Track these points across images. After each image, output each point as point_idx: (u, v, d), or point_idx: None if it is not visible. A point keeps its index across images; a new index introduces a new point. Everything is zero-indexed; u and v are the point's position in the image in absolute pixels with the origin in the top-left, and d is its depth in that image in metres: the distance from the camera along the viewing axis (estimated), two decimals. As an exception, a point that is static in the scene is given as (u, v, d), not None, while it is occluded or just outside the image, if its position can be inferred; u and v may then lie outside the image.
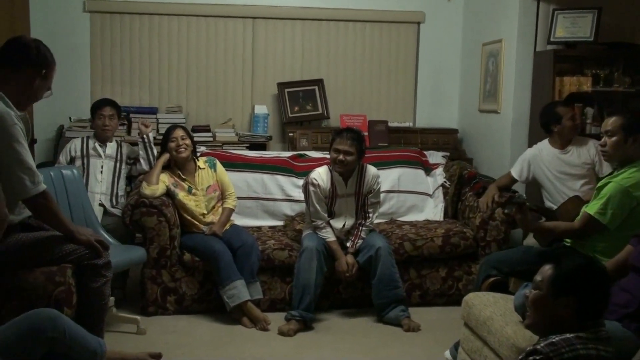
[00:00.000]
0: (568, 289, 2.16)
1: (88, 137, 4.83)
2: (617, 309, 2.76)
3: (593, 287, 2.18)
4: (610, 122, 3.33)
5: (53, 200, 2.94)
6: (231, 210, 4.48)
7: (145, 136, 4.80)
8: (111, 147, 4.81)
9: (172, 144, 4.39)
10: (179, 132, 4.43)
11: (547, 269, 2.24)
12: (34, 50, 2.90)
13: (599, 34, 4.97)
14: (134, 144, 4.98)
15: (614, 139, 3.31)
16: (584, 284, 2.17)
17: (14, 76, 2.86)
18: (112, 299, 3.75)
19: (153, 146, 4.80)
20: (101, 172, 4.70)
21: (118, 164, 4.79)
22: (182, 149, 4.37)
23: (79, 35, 5.85)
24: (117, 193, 4.73)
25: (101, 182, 4.68)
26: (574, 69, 5.14)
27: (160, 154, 4.53)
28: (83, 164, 4.69)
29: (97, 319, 3.06)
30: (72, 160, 4.70)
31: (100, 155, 4.74)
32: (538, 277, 2.26)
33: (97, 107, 4.83)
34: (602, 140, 3.38)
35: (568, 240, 3.50)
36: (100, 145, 4.76)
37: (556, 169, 4.33)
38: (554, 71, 4.96)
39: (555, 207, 4.19)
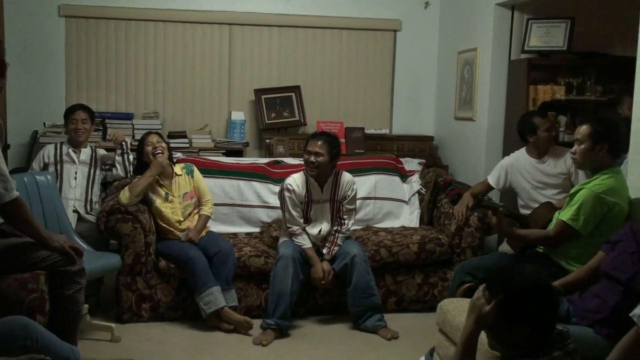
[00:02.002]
0: (520, 319, 2.10)
1: (62, 143, 4.78)
2: (588, 314, 2.81)
3: (544, 312, 2.10)
4: (580, 130, 3.40)
5: (26, 206, 2.91)
6: (207, 217, 4.47)
7: (123, 142, 4.77)
8: (85, 153, 4.76)
9: (149, 148, 4.36)
10: (154, 137, 4.42)
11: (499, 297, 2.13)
12: None
13: (572, 44, 5.06)
14: (110, 149, 4.95)
15: (582, 146, 3.37)
16: (534, 311, 2.09)
17: None
18: (86, 306, 3.72)
19: (130, 152, 4.77)
20: (75, 178, 4.66)
21: (92, 170, 4.75)
22: (159, 151, 4.34)
23: (54, 40, 5.80)
24: (91, 199, 4.69)
25: (75, 188, 4.63)
26: (547, 77, 5.22)
27: (138, 163, 4.48)
28: (57, 169, 4.64)
29: (70, 327, 3.03)
30: (45, 167, 4.65)
31: (74, 161, 4.70)
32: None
33: (70, 111, 4.79)
34: (573, 147, 3.44)
35: (540, 247, 3.54)
36: (74, 151, 4.72)
37: (533, 177, 4.38)
38: (528, 80, 5.03)
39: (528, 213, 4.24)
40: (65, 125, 4.87)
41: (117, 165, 4.74)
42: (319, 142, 4.18)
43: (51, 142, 4.96)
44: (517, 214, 4.17)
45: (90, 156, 4.77)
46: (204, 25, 6.05)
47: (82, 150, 4.76)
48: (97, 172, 4.77)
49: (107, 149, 4.99)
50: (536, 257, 3.51)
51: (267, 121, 6.00)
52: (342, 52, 6.34)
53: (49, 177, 4.22)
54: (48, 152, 4.72)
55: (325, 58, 6.31)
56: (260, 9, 6.09)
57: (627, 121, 3.62)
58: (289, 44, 6.23)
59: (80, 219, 4.57)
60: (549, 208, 3.82)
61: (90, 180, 4.72)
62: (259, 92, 6.04)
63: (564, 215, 3.35)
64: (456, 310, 3.14)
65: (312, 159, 4.18)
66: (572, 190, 3.43)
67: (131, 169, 4.69)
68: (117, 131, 5.12)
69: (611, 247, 2.96)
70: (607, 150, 3.31)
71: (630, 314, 2.33)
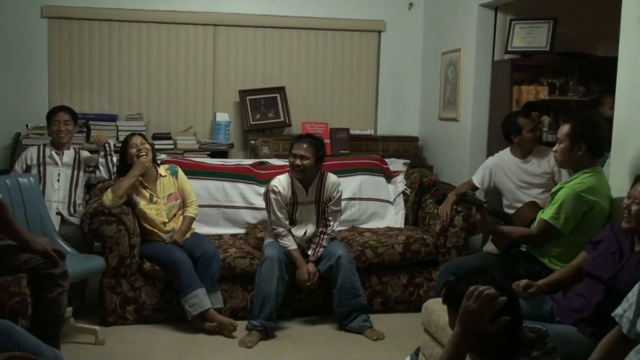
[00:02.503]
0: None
1: (45, 145, 4.75)
2: (572, 313, 2.83)
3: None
4: (562, 129, 3.43)
5: (8, 209, 2.90)
6: (192, 219, 4.45)
7: (106, 144, 4.74)
8: (68, 155, 4.73)
9: (133, 150, 4.33)
10: (137, 139, 4.39)
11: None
12: None
13: (555, 44, 5.10)
14: (93, 151, 4.92)
15: (562, 145, 3.41)
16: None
17: None
18: (69, 309, 3.69)
19: (113, 154, 4.75)
20: (58, 180, 4.63)
21: (76, 172, 4.71)
22: (144, 153, 4.32)
23: (37, 41, 5.76)
24: (74, 201, 4.65)
25: (58, 190, 4.60)
26: (530, 77, 5.26)
27: (121, 165, 4.44)
28: (39, 172, 4.61)
29: (53, 330, 3.02)
30: (28, 169, 4.62)
31: (57, 163, 4.66)
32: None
33: (52, 113, 4.76)
34: (555, 146, 3.47)
35: (524, 246, 3.56)
36: (57, 153, 4.69)
37: (517, 177, 4.40)
38: (512, 80, 5.07)
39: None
40: (47, 127, 4.84)
41: (101, 167, 4.71)
42: (304, 145, 4.18)
43: (34, 144, 4.92)
44: (501, 212, 4.20)
45: (74, 158, 4.74)
46: (188, 26, 6.03)
47: (65, 152, 4.73)
48: (81, 174, 4.74)
49: (91, 151, 4.95)
50: (520, 256, 3.54)
51: (252, 122, 5.99)
52: (326, 53, 6.34)
53: (31, 179, 4.19)
54: (31, 154, 4.68)
55: (310, 59, 6.31)
56: (245, 9, 6.08)
57: (609, 121, 3.65)
58: (274, 44, 6.23)
59: (63, 221, 4.54)
60: (533, 207, 3.84)
61: (74, 182, 4.69)
62: (243, 93, 6.03)
63: (545, 214, 3.37)
64: (441, 310, 3.13)
65: (298, 162, 4.17)
66: (553, 190, 3.46)
67: (115, 171, 4.66)
68: (101, 133, 5.10)
69: (593, 247, 2.99)
70: (586, 150, 3.34)
71: (613, 314, 2.35)
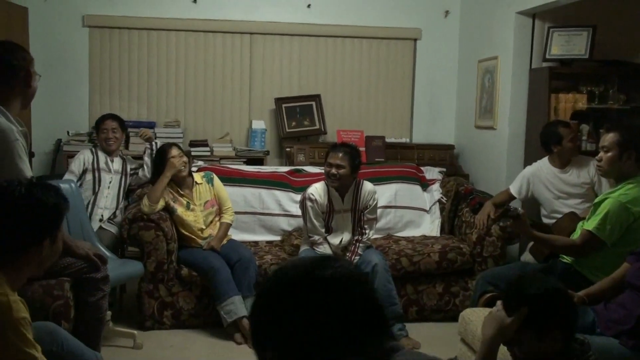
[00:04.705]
0: (551, 325, 2.10)
1: (97, 150, 4.83)
2: (614, 325, 2.78)
3: (570, 312, 2.14)
4: (607, 137, 3.36)
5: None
6: (229, 225, 4.48)
7: (154, 142, 4.82)
8: (117, 162, 4.82)
9: (175, 161, 4.33)
10: (175, 151, 4.39)
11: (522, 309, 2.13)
12: (14, 60, 2.80)
13: (594, 52, 5.03)
14: (136, 157, 5.00)
15: (609, 154, 3.33)
16: (562, 314, 2.11)
17: (10, 90, 2.81)
18: (109, 313, 3.75)
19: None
20: (109, 187, 4.71)
21: (123, 179, 4.80)
22: (182, 167, 4.37)
23: (78, 49, 5.87)
24: (120, 208, 4.71)
25: (107, 197, 4.68)
26: (569, 86, 5.19)
27: (155, 172, 4.43)
28: (94, 177, 4.69)
29: (94, 333, 3.06)
30: (84, 172, 4.69)
31: (110, 170, 4.75)
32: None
33: (101, 120, 4.85)
34: (599, 155, 3.41)
35: (565, 257, 3.51)
36: (111, 160, 4.78)
37: (556, 187, 4.35)
38: (550, 88, 5.01)
39: (552, 223, 4.21)
40: (96, 134, 4.93)
41: (145, 166, 4.77)
42: (340, 154, 4.18)
43: (74, 150, 5.00)
44: (540, 223, 4.15)
45: (122, 165, 4.82)
46: (225, 35, 6.10)
47: (115, 159, 4.82)
48: (128, 180, 4.82)
49: (133, 157, 5.04)
50: (559, 267, 3.49)
51: (287, 130, 6.02)
52: (362, 61, 6.35)
53: (72, 185, 4.28)
54: (86, 158, 4.75)
55: (346, 67, 6.32)
56: (281, 18, 6.12)
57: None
58: (310, 52, 6.26)
59: (99, 227, 4.59)
60: (573, 218, 3.79)
61: (121, 189, 4.77)
62: (279, 100, 6.07)
63: (589, 225, 3.31)
64: (478, 320, 3.12)
65: (334, 171, 4.17)
66: (597, 200, 3.40)
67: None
68: (147, 129, 5.16)
69: (636, 258, 2.93)
70: (635, 158, 3.28)
71: None
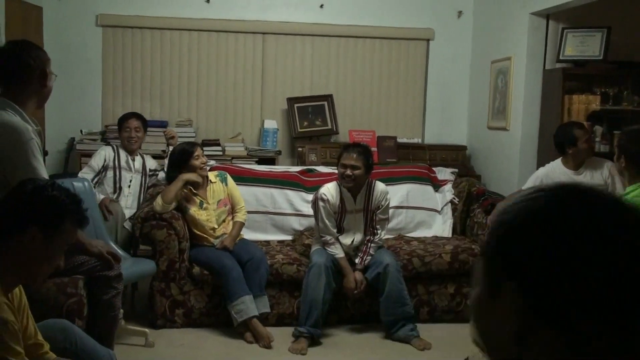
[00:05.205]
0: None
1: (118, 148, 4.84)
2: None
3: None
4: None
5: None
6: (242, 224, 4.49)
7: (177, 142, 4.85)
8: (138, 161, 4.84)
9: (197, 162, 4.33)
10: (199, 151, 4.38)
11: None
12: (30, 59, 2.80)
13: (608, 53, 5.00)
14: (154, 156, 5.02)
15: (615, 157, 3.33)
16: None
17: (26, 89, 2.82)
18: (121, 311, 3.76)
19: None
20: (129, 185, 4.73)
21: (144, 179, 4.82)
22: (206, 166, 4.39)
23: (92, 49, 5.91)
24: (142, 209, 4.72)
25: (127, 197, 4.70)
26: (583, 87, 5.17)
27: (171, 171, 4.40)
28: (115, 175, 4.71)
29: (107, 331, 3.08)
30: (104, 168, 4.71)
31: (130, 169, 4.77)
32: None
33: (123, 119, 4.87)
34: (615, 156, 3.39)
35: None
36: (132, 159, 4.80)
37: None
38: (563, 89, 4.98)
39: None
40: (118, 133, 4.95)
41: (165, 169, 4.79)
42: (354, 155, 4.16)
43: (87, 149, 5.02)
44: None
45: (142, 165, 4.85)
46: (238, 35, 6.11)
47: (136, 158, 4.84)
48: (147, 180, 4.84)
49: (153, 156, 5.09)
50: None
51: (299, 129, 6.03)
52: (374, 61, 6.35)
53: (86, 183, 4.29)
54: (107, 154, 4.76)
55: (358, 67, 6.32)
56: (294, 18, 6.12)
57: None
58: (322, 52, 6.26)
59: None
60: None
61: (142, 189, 4.79)
62: (291, 100, 6.07)
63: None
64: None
65: (349, 172, 4.15)
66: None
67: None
68: (172, 130, 5.19)
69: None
70: (625, 165, 3.26)
71: None
